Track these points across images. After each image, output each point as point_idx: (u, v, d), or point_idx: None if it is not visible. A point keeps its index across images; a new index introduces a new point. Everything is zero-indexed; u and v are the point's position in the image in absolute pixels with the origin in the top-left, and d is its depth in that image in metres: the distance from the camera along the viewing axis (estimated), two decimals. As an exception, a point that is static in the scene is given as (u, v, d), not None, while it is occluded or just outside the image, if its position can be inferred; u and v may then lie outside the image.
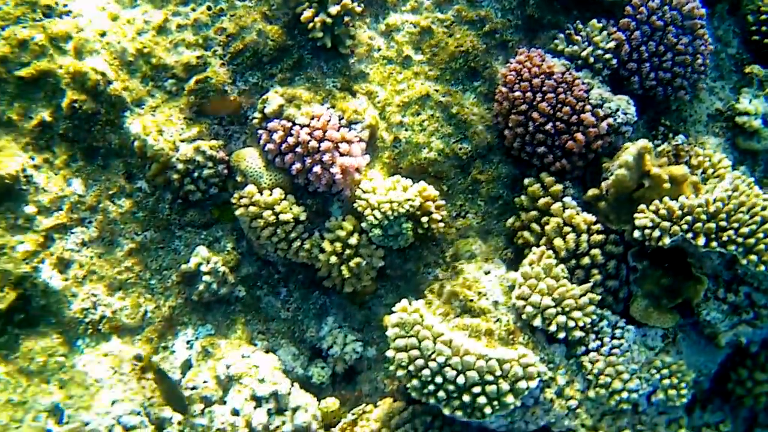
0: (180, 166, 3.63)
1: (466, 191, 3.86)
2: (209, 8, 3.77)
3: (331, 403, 3.74)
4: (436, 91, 3.83)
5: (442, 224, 3.72)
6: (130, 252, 3.73)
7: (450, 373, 3.33)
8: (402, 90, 3.82)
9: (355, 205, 3.64)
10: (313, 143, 3.56)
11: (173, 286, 3.74)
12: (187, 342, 3.72)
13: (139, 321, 3.71)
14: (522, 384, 3.35)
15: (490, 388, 3.32)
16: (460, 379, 3.31)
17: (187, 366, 3.68)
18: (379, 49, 3.86)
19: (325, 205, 3.75)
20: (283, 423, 3.61)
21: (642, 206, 3.49)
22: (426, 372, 3.36)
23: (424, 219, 3.67)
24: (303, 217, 3.64)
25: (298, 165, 3.60)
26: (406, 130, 3.80)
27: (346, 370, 3.85)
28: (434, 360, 3.35)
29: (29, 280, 3.56)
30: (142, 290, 3.73)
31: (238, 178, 3.70)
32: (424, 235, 3.73)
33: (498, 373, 3.33)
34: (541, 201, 3.71)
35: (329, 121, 3.62)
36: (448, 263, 3.82)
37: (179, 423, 3.58)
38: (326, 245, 3.65)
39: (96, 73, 3.64)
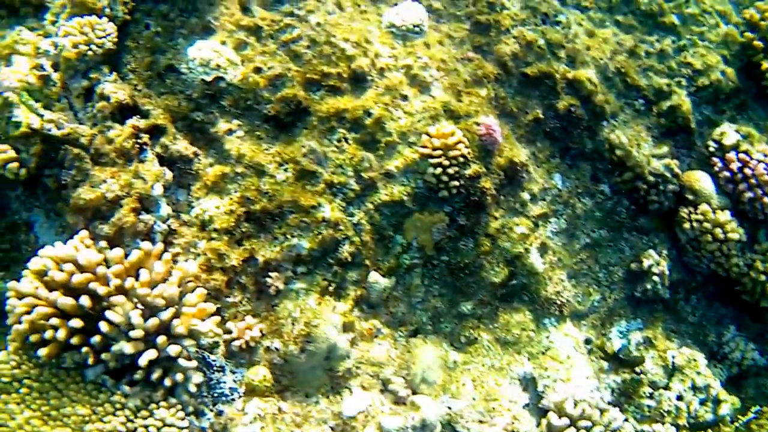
0: (651, 178, 4.02)
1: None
2: (673, 41, 4.21)
3: (736, 400, 4.24)
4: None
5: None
6: (585, 246, 4.09)
7: None
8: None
9: (784, 235, 4.19)
10: (767, 177, 4.08)
11: (618, 281, 4.13)
12: (620, 332, 4.11)
13: (587, 308, 4.06)
14: None
15: None
16: None
17: (623, 353, 4.06)
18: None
19: (753, 231, 4.26)
20: (706, 411, 4.08)
21: None
22: None
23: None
24: (744, 238, 4.14)
25: (749, 194, 4.10)
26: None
27: (737, 373, 4.37)
28: None
29: (520, 259, 3.85)
30: (591, 281, 4.09)
31: (688, 196, 4.14)
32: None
33: None
34: None
35: (779, 160, 4.15)
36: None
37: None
38: (758, 264, 4.17)
39: (590, 84, 3.99)
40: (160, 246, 3.05)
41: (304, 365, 3.32)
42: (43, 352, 2.91)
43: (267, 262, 3.33)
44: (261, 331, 3.32)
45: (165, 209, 3.25)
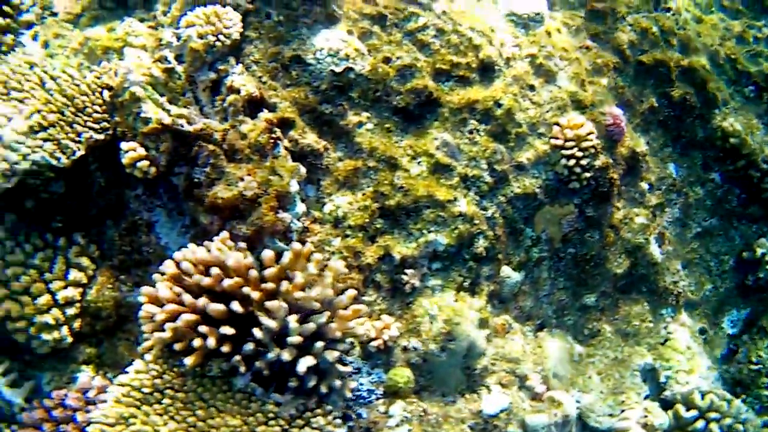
0: (764, 166, 3.90)
1: None
2: (779, 27, 4.07)
3: None
4: None
5: None
6: (697, 235, 3.97)
7: None
8: None
9: None
10: None
11: (728, 270, 4.02)
12: (731, 321, 4.01)
13: (699, 297, 3.95)
14: None
15: None
16: None
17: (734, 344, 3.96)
18: None
19: None
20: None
21: None
22: None
23: None
24: None
25: None
26: None
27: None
28: None
29: (641, 250, 3.71)
30: (703, 270, 3.98)
31: (796, 184, 4.03)
32: None
33: None
34: None
35: None
36: None
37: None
38: None
39: (704, 71, 3.84)
40: (309, 246, 2.84)
41: (444, 364, 3.15)
42: (189, 360, 2.71)
43: (403, 258, 3.14)
44: (398, 331, 3.13)
45: (300, 206, 3.04)
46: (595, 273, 3.53)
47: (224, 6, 3.11)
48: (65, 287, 3.06)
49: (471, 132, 3.27)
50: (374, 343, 3.09)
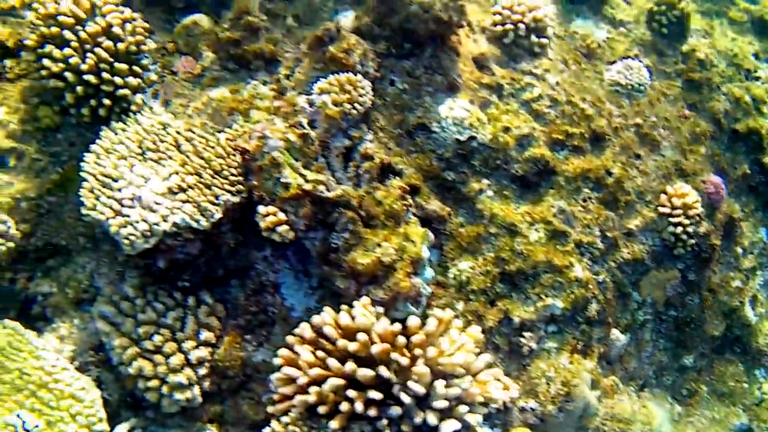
0: None
1: None
2: None
3: None
4: None
5: None
6: (773, 296, 4.16)
7: None
8: None
9: None
10: None
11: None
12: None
13: (785, 359, 4.13)
14: None
15: None
16: None
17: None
18: None
19: None
20: None
21: None
22: None
23: None
24: None
25: None
26: None
27: None
28: None
29: (736, 312, 3.88)
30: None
31: None
32: None
33: None
34: None
35: None
36: None
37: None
38: None
39: (791, 139, 4.06)
40: (451, 313, 2.98)
41: (560, 425, 3.28)
42: (334, 424, 2.82)
43: (522, 322, 3.28)
44: (517, 392, 3.26)
45: (429, 271, 3.18)
46: (694, 335, 3.69)
47: (355, 73, 3.26)
48: (197, 347, 3.15)
49: (584, 200, 3.43)
50: (494, 404, 3.20)
